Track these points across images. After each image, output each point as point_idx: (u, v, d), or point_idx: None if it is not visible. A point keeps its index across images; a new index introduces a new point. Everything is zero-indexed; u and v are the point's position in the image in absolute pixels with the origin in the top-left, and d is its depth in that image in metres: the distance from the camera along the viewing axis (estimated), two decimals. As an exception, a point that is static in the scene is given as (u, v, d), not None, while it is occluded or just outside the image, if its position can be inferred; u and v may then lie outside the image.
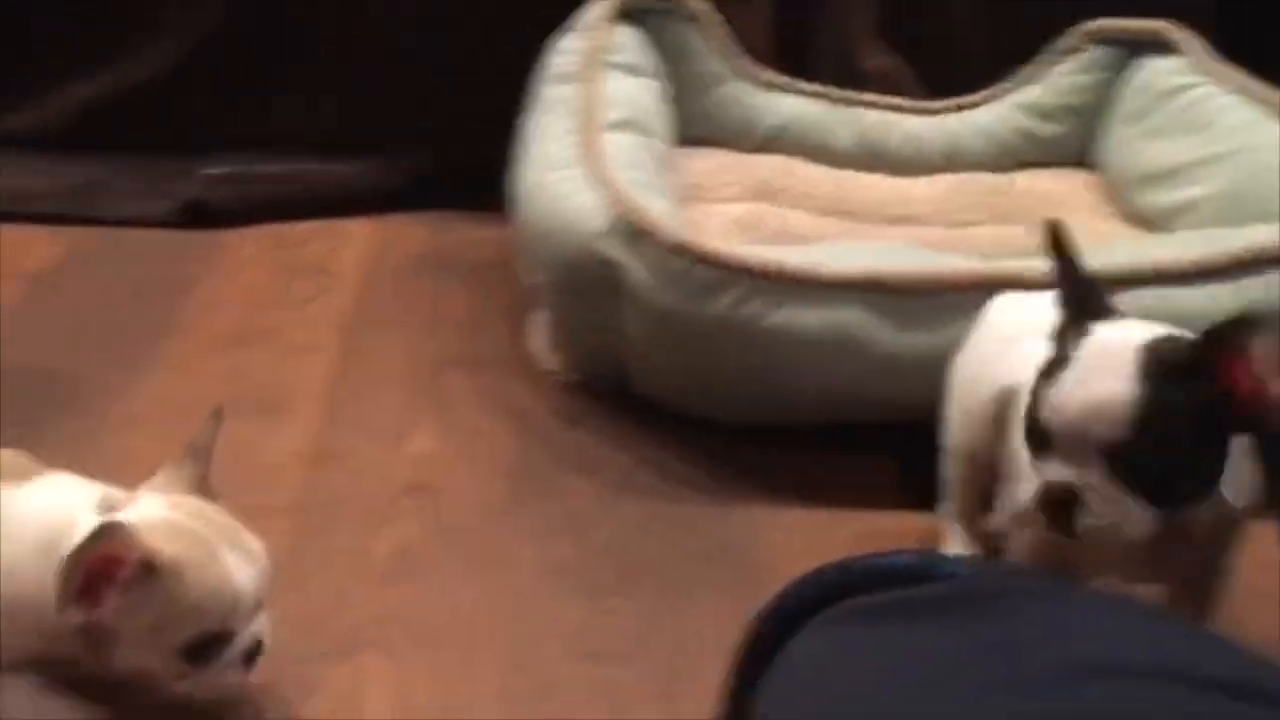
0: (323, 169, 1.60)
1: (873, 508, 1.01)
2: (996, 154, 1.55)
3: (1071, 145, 1.56)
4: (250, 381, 1.19)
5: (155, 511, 0.71)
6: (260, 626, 0.73)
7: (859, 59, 1.69)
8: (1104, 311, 0.77)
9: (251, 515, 0.96)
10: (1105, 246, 1.20)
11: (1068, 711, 0.48)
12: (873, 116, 1.56)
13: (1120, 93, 1.52)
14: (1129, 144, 1.49)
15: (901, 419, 1.02)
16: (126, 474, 1.01)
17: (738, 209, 1.37)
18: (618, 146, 1.21)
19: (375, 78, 1.66)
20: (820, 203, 1.43)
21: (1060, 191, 1.48)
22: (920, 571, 0.59)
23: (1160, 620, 0.55)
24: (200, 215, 1.52)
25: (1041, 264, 1.07)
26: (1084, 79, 1.55)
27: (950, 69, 1.68)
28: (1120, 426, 0.71)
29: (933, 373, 0.95)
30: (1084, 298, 0.78)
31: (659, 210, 1.11)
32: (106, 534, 0.66)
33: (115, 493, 0.74)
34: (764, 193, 1.43)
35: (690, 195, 1.38)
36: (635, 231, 1.08)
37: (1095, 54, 1.54)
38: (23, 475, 0.74)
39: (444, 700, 0.81)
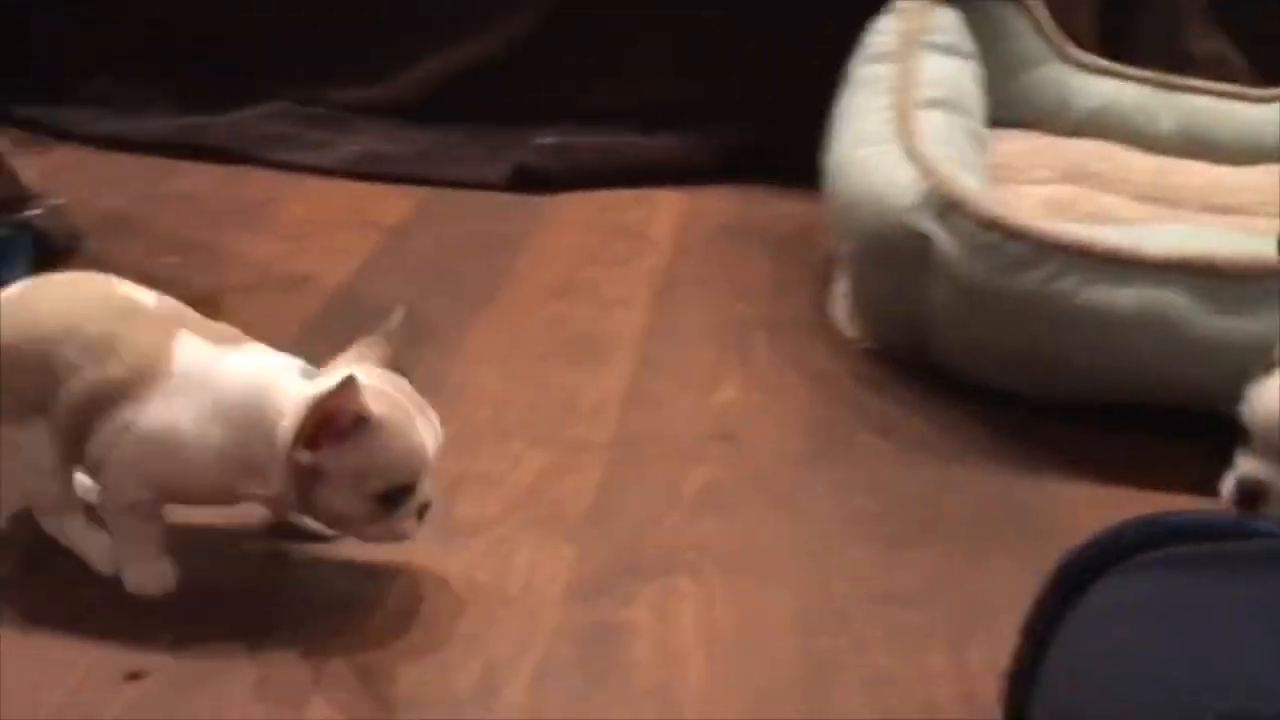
0: (642, 142, 1.71)
1: (1167, 490, 1.00)
2: (1338, 145, 1.47)
3: None
4: (572, 329, 1.30)
5: (368, 372, 0.82)
6: (430, 488, 0.83)
7: (1186, 42, 1.63)
8: None
9: (573, 448, 1.08)
10: None
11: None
12: (1199, 102, 1.51)
13: None
14: None
15: (1206, 405, 1.00)
16: (466, 400, 1.15)
17: (1049, 190, 1.37)
18: (932, 124, 1.24)
19: (694, 55, 1.75)
20: (1138, 188, 1.41)
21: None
22: (1235, 529, 0.61)
23: None
24: (531, 180, 1.66)
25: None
26: None
27: (1288, 55, 1.60)
28: None
29: (1247, 360, 0.92)
30: None
31: (971, 185, 1.13)
32: (344, 388, 0.77)
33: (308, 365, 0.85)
34: (1077, 176, 1.41)
35: (1001, 176, 1.39)
36: (947, 205, 1.10)
37: None
38: (234, 341, 0.86)
39: (744, 622, 0.88)
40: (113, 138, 1.76)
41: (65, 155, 1.73)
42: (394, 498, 0.80)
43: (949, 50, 1.40)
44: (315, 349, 1.22)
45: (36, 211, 1.39)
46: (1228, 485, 0.80)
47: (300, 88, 1.86)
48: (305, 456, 0.78)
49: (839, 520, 0.99)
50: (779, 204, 1.59)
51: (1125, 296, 1.03)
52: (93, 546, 0.88)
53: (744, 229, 1.54)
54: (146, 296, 0.87)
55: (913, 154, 1.17)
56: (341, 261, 1.43)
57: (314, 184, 1.66)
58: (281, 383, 0.81)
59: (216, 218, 1.55)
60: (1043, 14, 1.49)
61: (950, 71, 1.37)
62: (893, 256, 1.15)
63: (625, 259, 1.47)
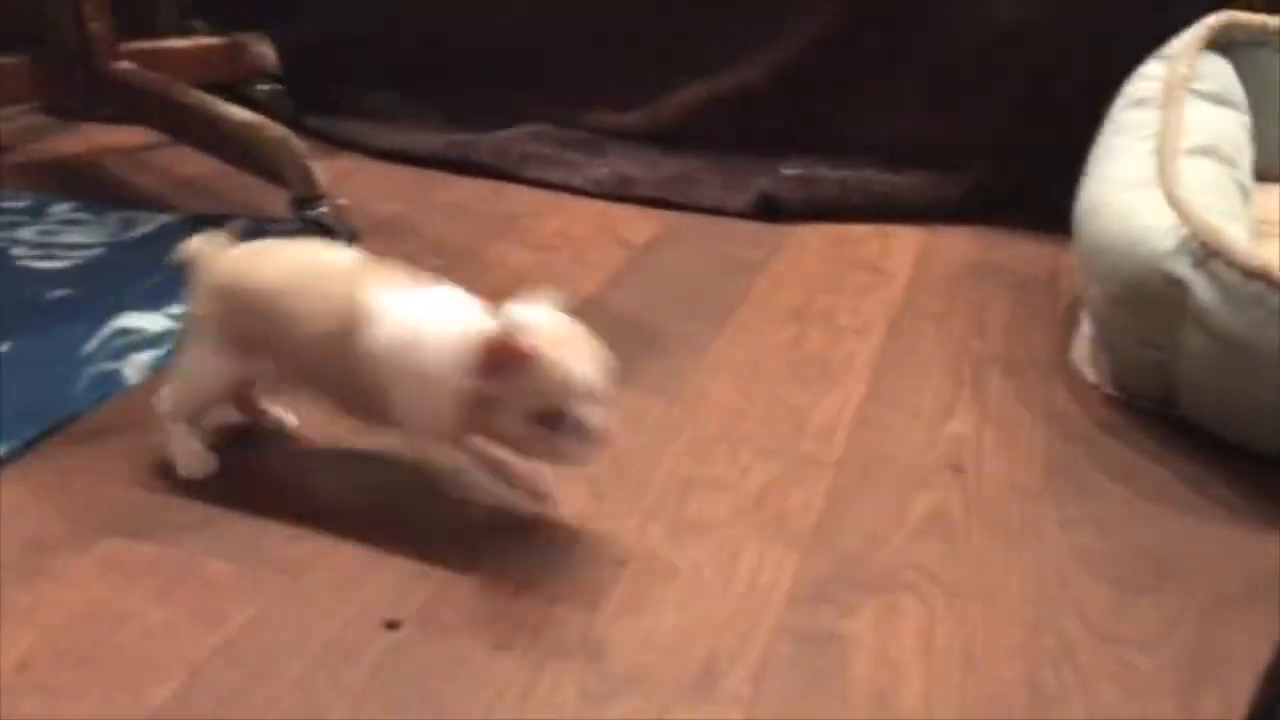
0: (886, 177, 1.73)
1: None
2: None
3: None
4: (806, 352, 1.33)
5: (529, 314, 0.94)
6: (600, 415, 0.92)
7: None
8: None
9: (801, 463, 1.11)
10: None
11: None
12: None
13: None
14: None
15: None
16: (701, 409, 1.19)
17: (1314, 249, 1.31)
18: (1195, 171, 1.21)
19: (942, 93, 1.76)
20: None
21: None
22: None
23: None
24: (774, 209, 1.71)
25: None
26: None
27: None
28: None
29: None
30: None
31: (1234, 234, 1.10)
32: (508, 327, 0.90)
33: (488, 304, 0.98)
34: (1348, 236, 1.35)
35: (1264, 232, 1.34)
36: (1208, 253, 1.08)
37: None
38: (425, 283, 1.00)
39: (965, 646, 0.88)
40: (390, 150, 1.92)
41: (348, 163, 1.90)
42: (550, 420, 0.91)
43: (1217, 99, 1.36)
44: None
45: (324, 210, 1.54)
46: None
47: (560, 111, 1.97)
48: (477, 384, 0.91)
49: (1068, 557, 0.98)
50: (1020, 245, 1.58)
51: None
52: (187, 452, 1.05)
53: (983, 268, 1.54)
54: (348, 256, 1.02)
55: (1174, 199, 1.15)
56: (590, 274, 1.52)
57: (568, 202, 1.76)
58: (473, 316, 0.95)
59: (478, 227, 1.67)
60: (1321, 66, 1.43)
61: (1217, 120, 1.33)
62: (1146, 302, 1.13)
63: (862, 289, 1.49)
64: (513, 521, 1.01)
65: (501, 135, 1.93)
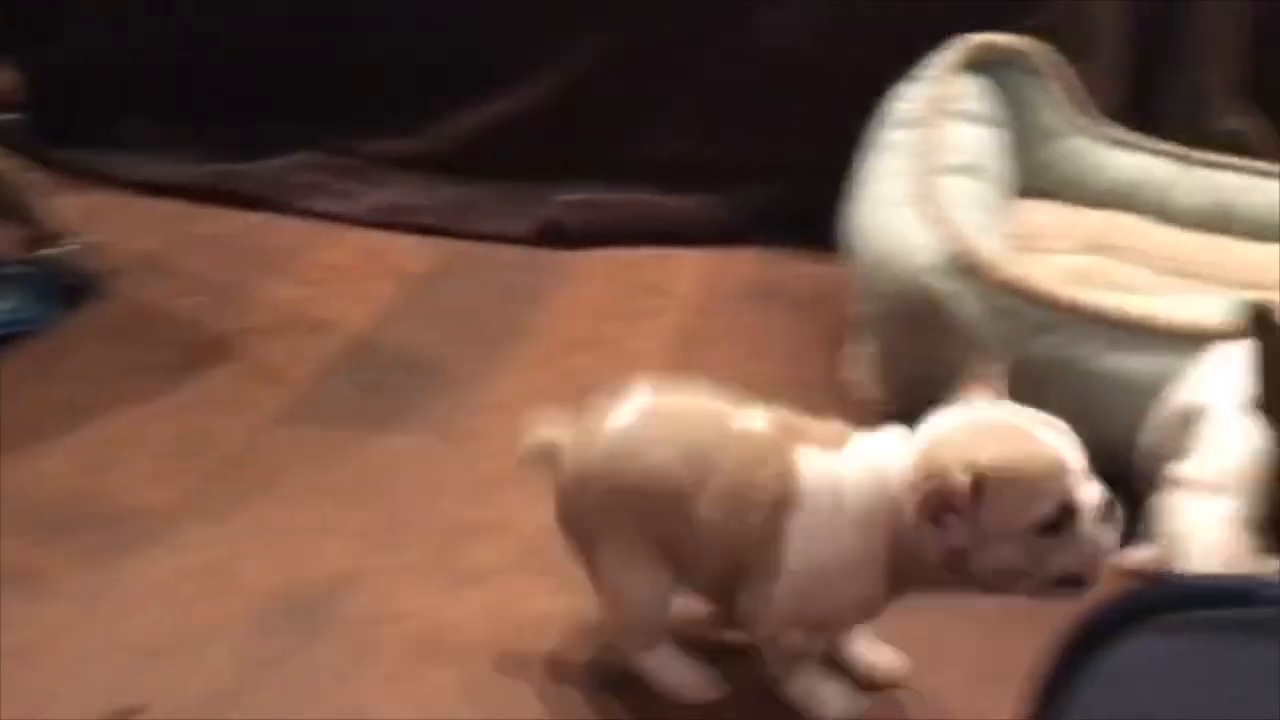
0: (667, 201, 1.72)
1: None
2: (1367, 224, 1.46)
3: None
4: (590, 382, 1.27)
5: (955, 425, 0.77)
6: (1100, 491, 0.74)
7: (1213, 118, 1.63)
8: None
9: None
10: None
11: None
12: (1225, 178, 1.50)
13: None
14: None
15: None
16: (478, 448, 1.15)
17: (1070, 261, 1.36)
18: (955, 189, 1.25)
19: (719, 118, 1.77)
20: (1160, 262, 1.40)
21: None
22: (1247, 594, 0.59)
23: None
24: (555, 236, 1.67)
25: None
26: None
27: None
28: None
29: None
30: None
31: (992, 250, 1.13)
32: (931, 474, 0.73)
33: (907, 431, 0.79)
34: (1099, 247, 1.41)
35: (1023, 245, 1.39)
36: (967, 268, 1.11)
37: None
38: (842, 440, 0.81)
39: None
40: (147, 182, 1.79)
41: (102, 198, 1.76)
42: (1055, 524, 0.73)
43: (974, 118, 1.40)
44: (331, 392, 1.25)
45: (58, 251, 1.41)
46: None
47: (330, 138, 1.89)
48: (932, 540, 0.74)
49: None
50: (800, 265, 1.59)
51: (1142, 364, 1.02)
52: (683, 676, 0.85)
53: (765, 289, 1.54)
54: (758, 420, 0.82)
55: (935, 218, 1.17)
56: (364, 308, 1.45)
57: (340, 233, 1.68)
58: (894, 472, 0.76)
59: (243, 262, 1.57)
60: (1069, 86, 1.50)
61: (975, 139, 1.37)
62: (913, 318, 1.15)
63: (646, 315, 1.47)
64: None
65: (269, 164, 1.82)
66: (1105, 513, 0.74)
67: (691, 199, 1.72)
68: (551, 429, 0.85)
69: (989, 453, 0.72)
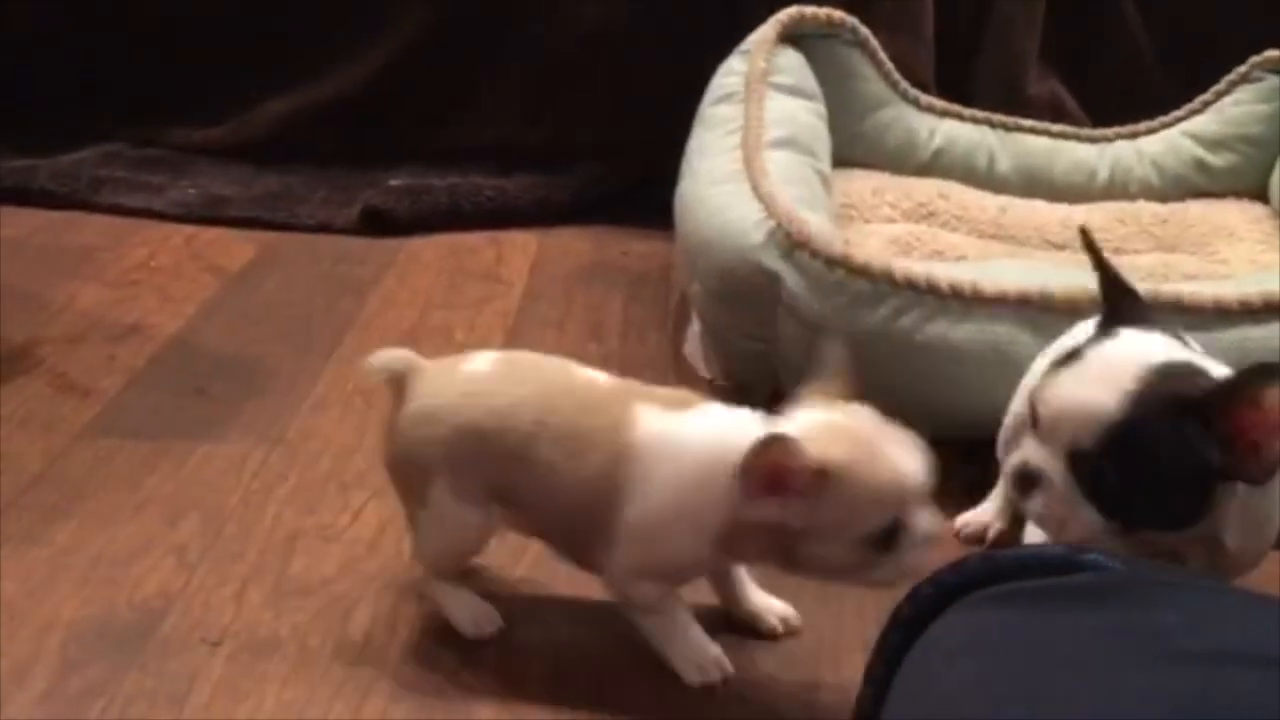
0: (494, 183, 1.69)
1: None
2: (1166, 183, 1.54)
3: (1245, 176, 1.53)
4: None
5: (814, 419, 0.77)
6: (933, 516, 0.77)
7: (1022, 85, 1.69)
8: (1139, 319, 0.78)
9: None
10: (1255, 276, 1.19)
11: (1209, 694, 0.49)
12: (1036, 142, 1.56)
13: (1298, 123, 1.49)
14: (1303, 175, 1.46)
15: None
16: (306, 451, 1.10)
17: (894, 229, 1.39)
18: (778, 163, 1.25)
19: (545, 97, 1.74)
20: (979, 227, 1.44)
21: (1229, 222, 1.46)
22: (1067, 563, 0.61)
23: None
24: (380, 223, 1.62)
25: (1203, 289, 1.08)
26: (1260, 108, 1.52)
27: (1116, 96, 1.67)
28: (1090, 436, 0.72)
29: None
30: (1120, 301, 0.80)
31: (817, 223, 1.14)
32: (774, 444, 0.72)
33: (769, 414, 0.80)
34: (921, 215, 1.44)
35: (847, 215, 1.41)
36: (793, 243, 1.11)
37: (1272, 83, 1.51)
38: (687, 404, 0.83)
39: (593, 672, 0.85)
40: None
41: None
42: (886, 538, 0.75)
43: (794, 91, 1.41)
44: (143, 402, 1.18)
45: None
46: (1008, 466, 0.80)
47: (135, 128, 1.78)
48: (753, 513, 0.74)
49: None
50: (632, 243, 1.58)
51: (964, 331, 1.04)
52: (468, 611, 0.88)
53: (597, 269, 1.53)
54: (599, 376, 0.85)
55: (759, 193, 1.17)
56: (177, 309, 1.37)
57: (149, 229, 1.59)
58: (737, 441, 0.75)
59: (42, 265, 1.47)
60: (883, 57, 1.52)
61: (795, 112, 1.38)
62: (742, 294, 1.15)
63: (477, 302, 1.44)
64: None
65: (66, 159, 1.71)
66: (930, 539, 0.77)
67: (522, 180, 1.70)
68: (405, 356, 0.86)
69: (842, 451, 0.74)
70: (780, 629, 0.88)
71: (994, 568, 0.63)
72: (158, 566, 0.94)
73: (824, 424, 0.76)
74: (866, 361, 1.07)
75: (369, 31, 1.76)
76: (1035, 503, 0.76)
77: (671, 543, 0.79)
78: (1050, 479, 0.75)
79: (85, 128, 1.77)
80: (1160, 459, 0.72)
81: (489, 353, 0.89)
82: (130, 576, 0.93)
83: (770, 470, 0.72)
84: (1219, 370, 0.76)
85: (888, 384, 1.08)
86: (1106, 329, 0.78)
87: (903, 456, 0.75)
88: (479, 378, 0.85)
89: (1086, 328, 0.87)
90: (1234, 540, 0.75)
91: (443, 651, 0.87)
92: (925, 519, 0.76)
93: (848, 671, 0.83)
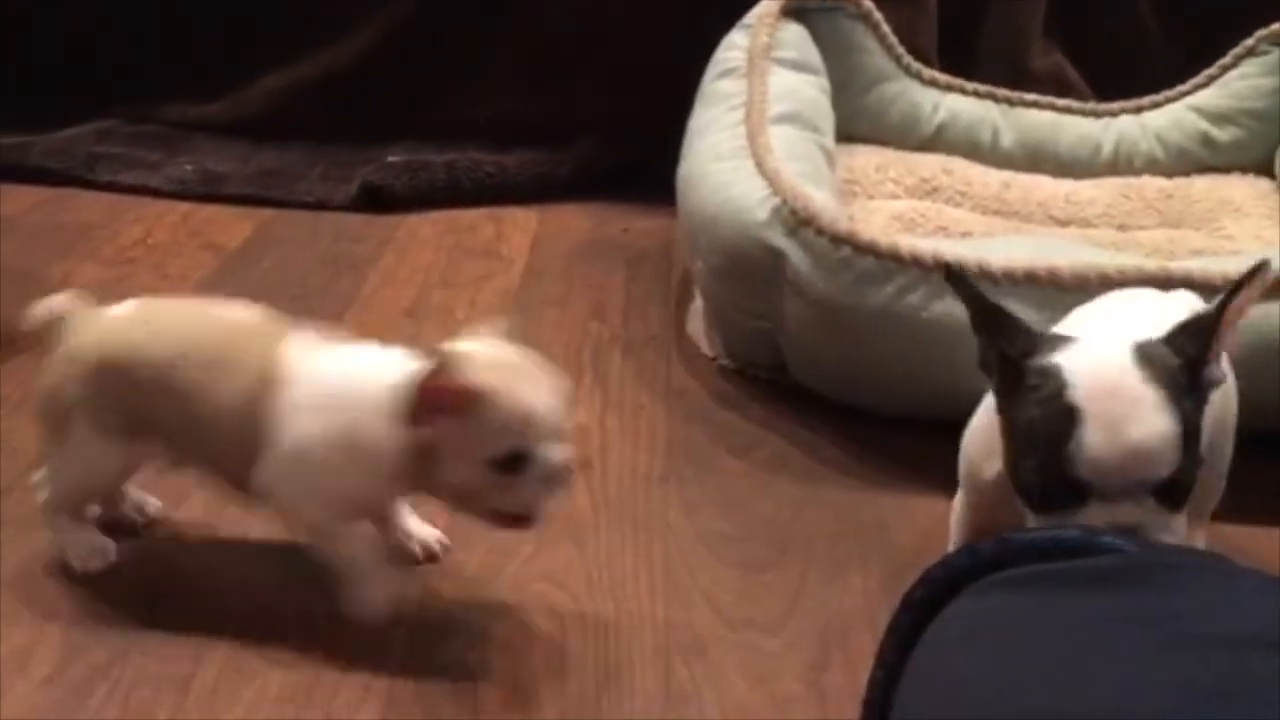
0: (493, 158, 1.67)
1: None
2: (1171, 158, 1.52)
3: (1251, 151, 1.52)
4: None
5: (471, 348, 0.82)
6: (565, 454, 0.80)
7: (1026, 59, 1.67)
8: (1039, 343, 0.72)
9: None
10: (1262, 252, 1.17)
11: (1225, 679, 0.48)
12: (1040, 117, 1.55)
13: (1303, 97, 1.48)
14: (1310, 150, 1.44)
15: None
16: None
17: (898, 205, 1.38)
18: (781, 139, 1.24)
19: (545, 72, 1.73)
20: (983, 202, 1.43)
21: (1235, 197, 1.44)
22: (1083, 546, 0.60)
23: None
24: (379, 200, 1.61)
25: (1212, 264, 1.07)
26: (1266, 82, 1.50)
27: (1121, 71, 1.66)
28: (1170, 459, 0.68)
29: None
30: (1008, 334, 0.73)
31: (821, 200, 1.12)
32: (442, 363, 0.77)
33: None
34: (925, 190, 1.43)
35: (850, 191, 1.40)
36: (798, 221, 1.10)
37: (1278, 56, 1.49)
38: (340, 340, 0.87)
39: (599, 654, 0.85)
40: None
41: None
42: (513, 464, 0.78)
43: (797, 66, 1.40)
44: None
45: None
46: None
47: (131, 104, 1.77)
48: (413, 434, 0.77)
49: (695, 543, 0.97)
50: (632, 219, 1.57)
51: (972, 310, 1.03)
52: (78, 546, 0.90)
53: (598, 245, 1.51)
54: (245, 311, 0.88)
55: (763, 169, 1.16)
56: (174, 287, 1.36)
57: (145, 206, 1.58)
58: (389, 370, 0.79)
59: (38, 243, 1.46)
60: (886, 31, 1.51)
61: (798, 87, 1.37)
62: (746, 272, 1.14)
63: (478, 279, 1.43)
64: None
65: (62, 135, 1.70)
66: (559, 474, 0.80)
67: (521, 155, 1.68)
68: (58, 303, 0.89)
69: (489, 376, 0.78)
70: (421, 556, 0.91)
71: (1007, 551, 0.62)
72: (160, 547, 0.94)
73: (474, 353, 0.80)
74: (872, 339, 1.08)
75: (367, 5, 1.75)
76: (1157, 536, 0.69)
77: (336, 473, 0.81)
78: (1146, 523, 0.68)
79: (80, 104, 1.75)
80: (1195, 423, 0.70)
81: (138, 300, 0.91)
82: (133, 558, 0.92)
83: (436, 390, 0.76)
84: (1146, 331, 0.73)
85: (893, 361, 1.09)
86: (1034, 364, 0.71)
87: (539, 390, 0.79)
88: (121, 318, 0.88)
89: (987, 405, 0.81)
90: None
91: (447, 639, 0.86)
92: (554, 452, 0.79)
93: (856, 654, 0.83)
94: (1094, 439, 0.68)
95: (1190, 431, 0.70)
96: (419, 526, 0.92)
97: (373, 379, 0.80)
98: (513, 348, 0.83)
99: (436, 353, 0.78)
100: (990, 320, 0.75)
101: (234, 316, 0.87)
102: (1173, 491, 0.69)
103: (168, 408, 0.84)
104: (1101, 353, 0.71)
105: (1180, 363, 0.71)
